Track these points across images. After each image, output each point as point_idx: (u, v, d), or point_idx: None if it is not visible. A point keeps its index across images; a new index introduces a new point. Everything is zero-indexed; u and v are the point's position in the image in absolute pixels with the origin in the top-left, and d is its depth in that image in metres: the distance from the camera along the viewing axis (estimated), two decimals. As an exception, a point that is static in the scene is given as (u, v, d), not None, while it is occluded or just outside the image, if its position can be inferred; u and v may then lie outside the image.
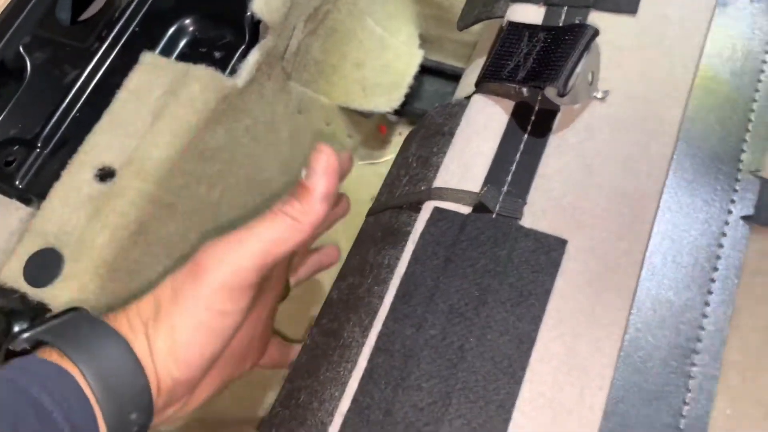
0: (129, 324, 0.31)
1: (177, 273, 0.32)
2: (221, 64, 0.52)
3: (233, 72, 0.52)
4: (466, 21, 0.42)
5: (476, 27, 0.44)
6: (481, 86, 0.37)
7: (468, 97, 0.38)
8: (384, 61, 0.71)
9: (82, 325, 0.30)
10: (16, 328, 0.44)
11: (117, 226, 0.45)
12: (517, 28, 0.35)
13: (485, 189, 0.33)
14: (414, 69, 0.70)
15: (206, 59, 0.52)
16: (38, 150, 0.49)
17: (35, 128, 0.50)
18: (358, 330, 0.32)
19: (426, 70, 0.74)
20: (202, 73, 0.49)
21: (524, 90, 0.34)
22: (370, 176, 0.71)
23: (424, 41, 0.80)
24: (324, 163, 0.33)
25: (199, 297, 0.31)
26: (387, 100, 0.69)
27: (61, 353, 0.29)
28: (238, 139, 0.54)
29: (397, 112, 0.71)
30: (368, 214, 0.42)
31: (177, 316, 0.31)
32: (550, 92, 0.32)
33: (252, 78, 0.52)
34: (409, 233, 0.34)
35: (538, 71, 0.33)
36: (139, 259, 0.47)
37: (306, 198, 0.33)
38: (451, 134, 0.36)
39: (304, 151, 0.66)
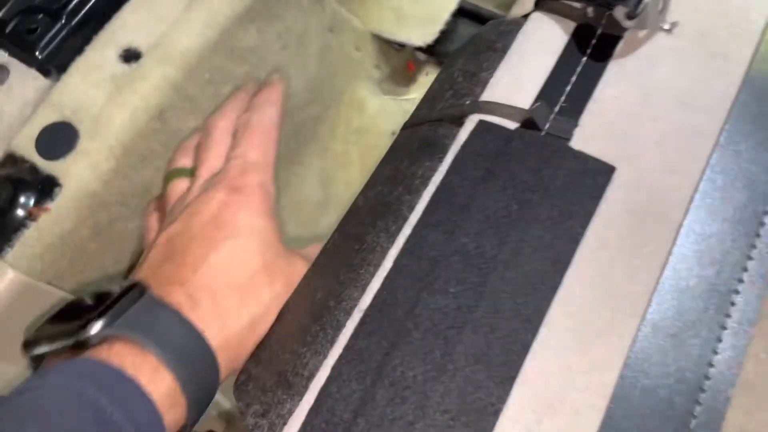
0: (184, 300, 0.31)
1: None
2: (261, -39, 0.50)
3: (273, -29, 0.49)
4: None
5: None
6: (541, 4, 0.35)
7: (526, 16, 0.36)
8: (422, -8, 0.68)
9: (153, 313, 0.29)
10: (22, 199, 0.42)
11: (137, 108, 0.43)
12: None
13: (536, 105, 0.31)
14: (453, 5, 0.68)
15: (247, -47, 0.50)
16: (62, 22, 0.47)
17: (61, -1, 0.48)
18: (384, 236, 0.31)
19: (462, 11, 0.71)
20: (241, -34, 0.47)
21: (589, 10, 0.32)
22: (392, 111, 0.69)
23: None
24: None
25: None
26: (420, 33, 0.67)
27: (136, 344, 0.28)
28: (269, 44, 0.52)
29: (427, 51, 0.69)
30: (404, 127, 0.40)
31: None
32: (619, 13, 0.30)
33: (290, -18, 0.50)
34: (448, 146, 0.32)
35: (608, -11, 0.31)
36: (154, 147, 0.45)
37: None
38: (504, 51, 0.35)
39: (332, 71, 0.64)
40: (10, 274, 0.39)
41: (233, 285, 0.32)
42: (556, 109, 0.31)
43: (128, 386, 0.26)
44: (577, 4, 0.32)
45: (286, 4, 0.51)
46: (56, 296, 0.43)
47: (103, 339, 0.28)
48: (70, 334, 0.28)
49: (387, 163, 0.38)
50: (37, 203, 0.41)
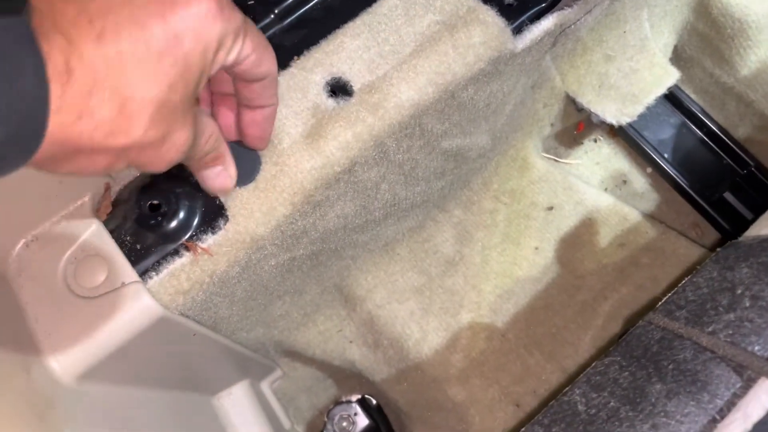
0: None
1: None
2: (509, 13, 0.42)
3: (518, 30, 0.42)
4: None
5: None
6: None
7: None
8: (634, 65, 0.60)
9: None
10: (182, 214, 0.37)
11: (332, 158, 0.37)
12: None
13: None
14: (662, 89, 0.60)
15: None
16: (272, 17, 0.41)
17: (279, -10, 0.41)
18: None
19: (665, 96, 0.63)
20: (490, 21, 0.40)
21: None
22: (554, 182, 0.62)
23: (674, 56, 0.68)
24: None
25: None
26: (617, 110, 0.59)
27: None
28: (477, 103, 0.45)
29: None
30: (647, 319, 0.34)
31: None
32: None
33: (530, 46, 0.43)
34: (723, 399, 0.26)
35: None
36: (331, 195, 0.40)
37: None
38: None
39: (515, 126, 0.57)
40: (148, 303, 0.35)
41: None
42: None
43: None
44: None
45: (512, 65, 0.44)
46: (186, 327, 0.39)
47: None
48: None
49: (619, 363, 0.32)
50: (199, 227, 0.37)
